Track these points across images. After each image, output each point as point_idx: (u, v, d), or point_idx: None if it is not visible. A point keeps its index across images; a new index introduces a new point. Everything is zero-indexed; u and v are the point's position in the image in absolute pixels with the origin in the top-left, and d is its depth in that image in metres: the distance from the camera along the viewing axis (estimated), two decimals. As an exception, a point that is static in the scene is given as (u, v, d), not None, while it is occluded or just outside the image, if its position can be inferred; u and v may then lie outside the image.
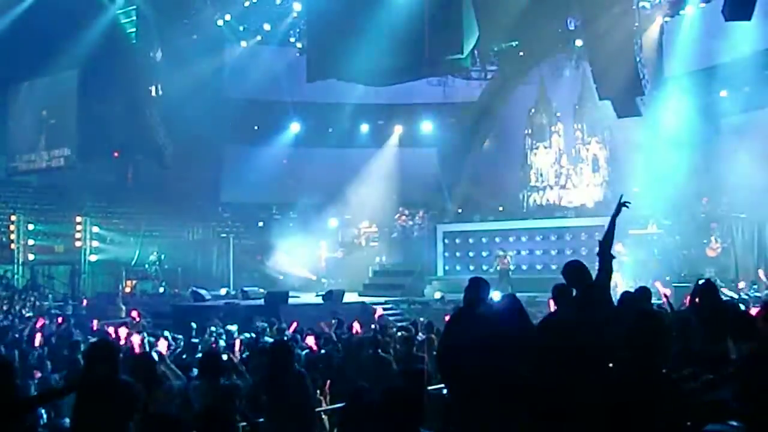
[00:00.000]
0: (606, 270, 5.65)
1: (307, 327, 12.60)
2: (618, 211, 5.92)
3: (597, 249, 5.75)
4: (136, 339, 10.40)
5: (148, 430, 3.93)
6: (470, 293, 5.85)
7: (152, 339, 11.06)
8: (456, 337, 5.84)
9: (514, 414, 5.36)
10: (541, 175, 24.72)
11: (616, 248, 15.65)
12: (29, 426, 5.99)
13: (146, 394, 5.61)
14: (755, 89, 21.07)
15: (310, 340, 10.41)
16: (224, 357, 7.69)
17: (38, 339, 12.01)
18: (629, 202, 5.96)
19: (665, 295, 10.66)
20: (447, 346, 5.91)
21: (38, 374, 9.11)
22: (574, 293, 5.88)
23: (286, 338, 11.25)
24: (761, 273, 17.90)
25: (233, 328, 13.23)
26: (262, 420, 6.14)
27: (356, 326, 12.13)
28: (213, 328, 13.03)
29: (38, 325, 14.42)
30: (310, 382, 6.52)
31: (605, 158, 23.91)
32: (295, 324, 12.86)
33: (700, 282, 8.17)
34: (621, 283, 15.53)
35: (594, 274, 5.72)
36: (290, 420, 6.03)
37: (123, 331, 11.67)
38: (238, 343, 10.30)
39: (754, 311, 9.44)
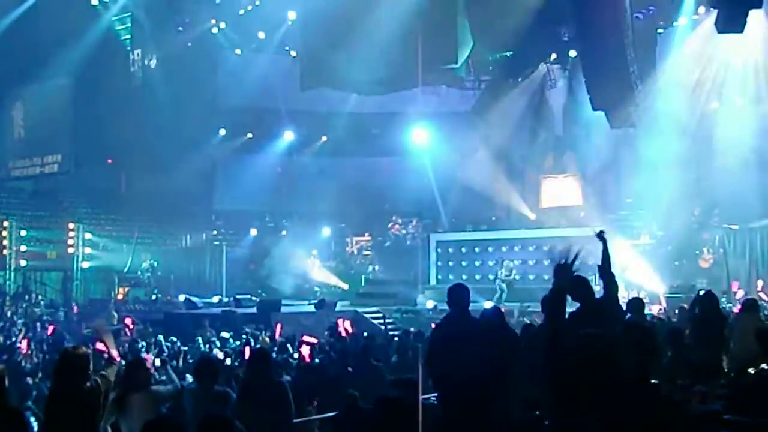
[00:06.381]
0: (612, 284, 5.87)
1: (300, 335, 12.59)
2: (603, 242, 6.10)
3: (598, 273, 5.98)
4: (111, 346, 10.40)
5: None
6: (453, 301, 5.87)
7: (140, 346, 11.06)
8: (443, 344, 5.86)
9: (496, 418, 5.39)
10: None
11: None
12: None
13: (127, 397, 5.67)
14: (746, 101, 21.14)
15: (305, 350, 10.37)
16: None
17: (30, 346, 11.97)
18: (603, 231, 6.17)
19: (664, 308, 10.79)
20: (435, 353, 5.93)
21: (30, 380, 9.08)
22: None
23: (277, 347, 11.23)
24: (760, 284, 17.84)
25: (226, 335, 13.22)
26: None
27: (348, 327, 12.15)
28: (208, 335, 13.03)
29: (30, 332, 14.38)
30: (288, 392, 6.33)
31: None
32: (279, 326, 12.84)
33: (701, 292, 8.24)
34: None
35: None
36: (263, 430, 5.86)
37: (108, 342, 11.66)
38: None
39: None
